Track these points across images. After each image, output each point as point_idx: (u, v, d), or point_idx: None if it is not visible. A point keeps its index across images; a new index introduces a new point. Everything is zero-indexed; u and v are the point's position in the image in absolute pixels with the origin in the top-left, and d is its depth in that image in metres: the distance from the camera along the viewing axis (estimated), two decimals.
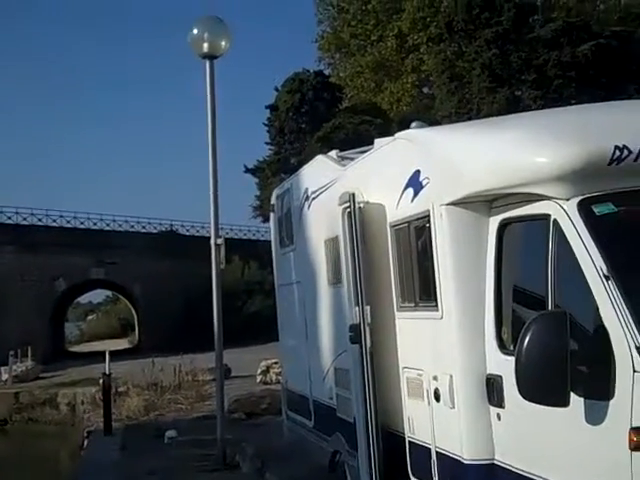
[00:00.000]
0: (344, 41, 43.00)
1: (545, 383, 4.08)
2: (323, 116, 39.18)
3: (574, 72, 30.04)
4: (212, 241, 11.73)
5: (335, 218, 7.41)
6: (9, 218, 41.20)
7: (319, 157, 9.14)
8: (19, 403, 27.11)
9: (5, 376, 29.97)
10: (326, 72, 44.47)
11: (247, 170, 44.36)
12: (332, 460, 8.09)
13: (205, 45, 11.75)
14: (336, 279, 7.83)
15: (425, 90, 41.36)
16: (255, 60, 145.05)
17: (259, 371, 20.74)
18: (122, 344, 47.23)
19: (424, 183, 5.91)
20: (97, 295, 78.53)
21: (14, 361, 30.54)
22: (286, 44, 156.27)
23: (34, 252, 38.33)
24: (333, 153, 8.83)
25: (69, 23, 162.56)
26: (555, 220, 4.64)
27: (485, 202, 5.38)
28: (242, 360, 22.38)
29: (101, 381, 17.59)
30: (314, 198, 8.78)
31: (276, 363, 20.10)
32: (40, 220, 42.35)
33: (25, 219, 41.83)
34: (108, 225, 44.77)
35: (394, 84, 41.35)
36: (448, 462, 5.47)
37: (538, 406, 4.24)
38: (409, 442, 6.24)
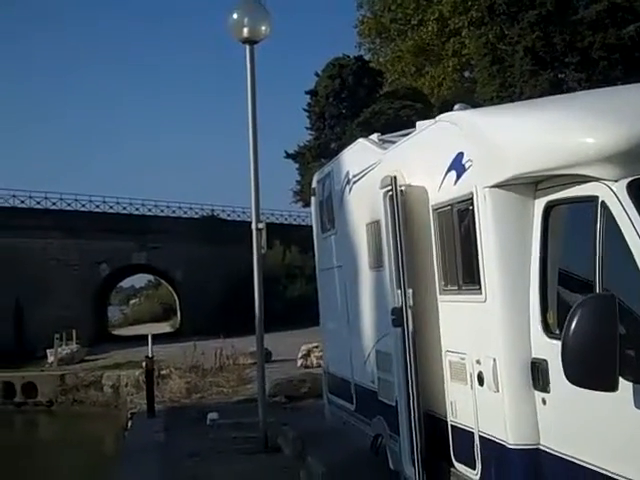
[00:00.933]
0: (384, 26, 42.67)
1: (593, 367, 4.00)
2: (363, 101, 39.04)
3: (619, 54, 29.45)
4: (253, 226, 11.76)
5: (376, 201, 7.38)
6: (54, 204, 41.82)
7: (360, 140, 9.08)
8: (65, 385, 27.63)
9: (51, 359, 30.54)
10: (366, 57, 44.24)
11: (288, 155, 44.43)
12: (374, 444, 8.08)
13: (245, 30, 11.74)
14: (378, 263, 7.80)
15: (466, 74, 40.93)
16: (295, 45, 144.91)
17: (300, 355, 20.83)
18: (164, 328, 47.73)
19: (467, 165, 5.83)
20: (139, 280, 79.53)
21: (59, 344, 31.07)
22: (326, 29, 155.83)
23: (78, 237, 38.90)
24: (374, 136, 8.77)
25: None
26: (603, 202, 4.54)
27: (530, 184, 5.29)
28: (283, 344, 22.48)
29: (144, 364, 17.80)
30: (355, 182, 8.74)
31: (317, 347, 20.18)
32: (84, 206, 42.96)
33: (69, 205, 42.44)
34: (150, 210, 45.23)
35: (435, 68, 41.00)
36: (492, 446, 5.42)
37: (585, 391, 4.16)
38: (452, 426, 6.20)
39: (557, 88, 27.92)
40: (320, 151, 41.74)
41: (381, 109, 36.79)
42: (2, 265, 35.56)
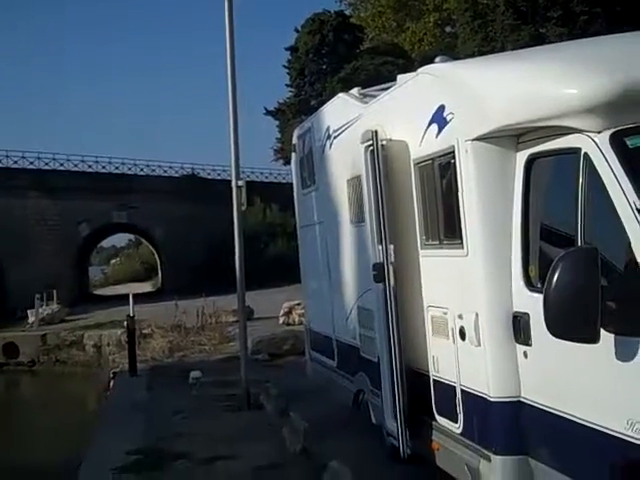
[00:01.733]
0: None
1: (575, 320, 3.99)
2: (344, 57, 38.71)
3: (600, 8, 29.28)
4: (233, 183, 11.63)
5: (357, 156, 7.32)
6: (31, 163, 41.32)
7: (340, 95, 8.98)
8: (46, 345, 27.53)
9: (32, 319, 30.40)
10: (347, 12, 43.77)
11: (267, 112, 44.12)
12: (356, 399, 8.12)
13: None
14: (359, 218, 7.75)
15: (448, 29, 40.64)
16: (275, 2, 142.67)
17: (282, 312, 20.85)
18: (145, 287, 47.62)
19: (449, 118, 5.76)
20: (120, 239, 79.25)
21: (40, 304, 30.91)
22: None
23: (57, 197, 38.52)
24: (355, 91, 8.66)
25: None
26: (586, 154, 4.49)
27: (512, 136, 5.24)
28: (264, 302, 22.46)
29: (125, 323, 17.74)
30: (336, 137, 8.65)
31: (299, 304, 20.19)
32: (62, 165, 42.44)
33: (47, 164, 41.92)
34: (130, 169, 44.74)
35: (416, 24, 40.68)
36: (474, 400, 5.44)
37: (566, 343, 4.16)
38: (434, 381, 6.21)
39: (539, 42, 27.65)
40: (300, 108, 41.42)
41: (362, 65, 36.53)
42: None
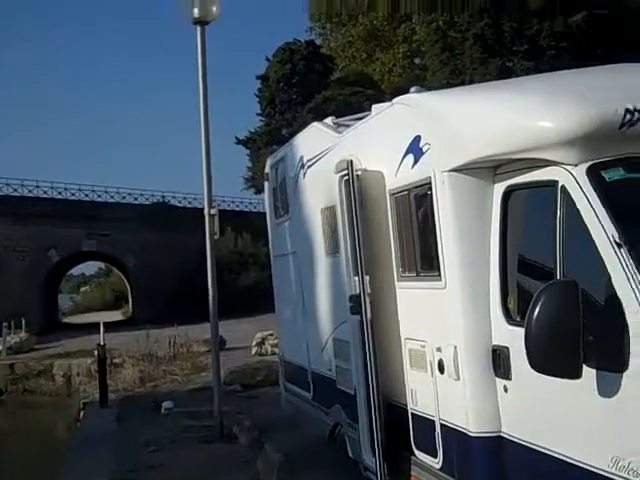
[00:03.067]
0: (335, 11, 42.49)
1: (557, 354, 3.95)
2: (314, 87, 38.92)
3: (567, 42, 29.70)
4: (205, 211, 11.56)
5: (332, 186, 7.26)
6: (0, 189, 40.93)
7: (314, 124, 8.93)
8: (14, 374, 27.07)
9: None
10: (317, 42, 44.07)
11: (239, 142, 44.15)
12: (332, 432, 8.01)
13: (195, 10, 11.48)
14: (334, 249, 7.70)
15: (417, 61, 41.01)
16: (245, 29, 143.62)
17: (254, 343, 20.72)
18: (116, 316, 47.18)
19: (425, 149, 5.74)
20: (90, 267, 78.70)
21: (8, 332, 30.45)
22: (277, 13, 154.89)
23: (25, 224, 38.09)
24: (329, 120, 8.62)
25: None
26: (563, 186, 4.48)
27: (489, 168, 5.22)
28: (237, 332, 22.32)
29: (96, 352, 17.50)
30: (310, 166, 8.60)
31: (271, 335, 20.07)
32: (31, 191, 42.11)
33: (16, 190, 41.56)
34: (100, 197, 44.55)
35: (385, 54, 41.04)
36: (453, 435, 5.37)
37: (547, 378, 4.12)
38: (412, 414, 6.13)
39: (506, 76, 28.06)
40: (271, 137, 41.52)
41: (332, 95, 36.74)
42: None
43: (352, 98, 35.06)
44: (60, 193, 43.09)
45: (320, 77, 40.36)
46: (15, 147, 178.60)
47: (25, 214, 38.31)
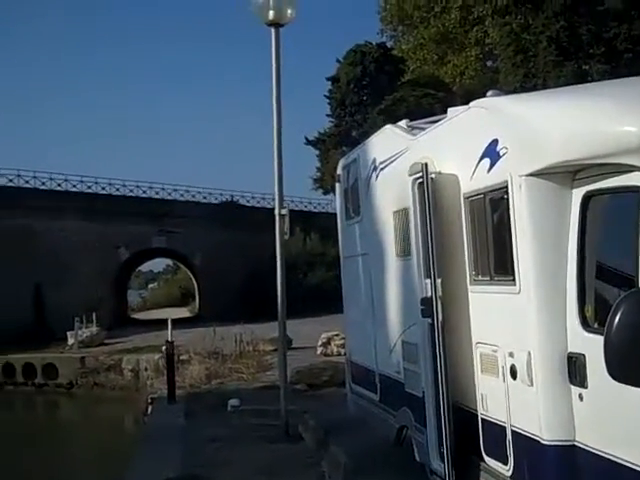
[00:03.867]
0: (407, 13, 42.35)
1: (637, 364, 3.86)
2: (385, 89, 38.83)
3: None
4: (276, 211, 11.64)
5: (405, 189, 7.26)
6: (74, 186, 41.93)
7: (388, 127, 8.92)
8: (85, 368, 27.79)
9: (71, 341, 30.70)
10: (388, 44, 43.99)
11: (308, 142, 44.33)
12: (399, 435, 7.98)
13: (271, 13, 11.58)
14: (405, 251, 7.68)
15: (489, 63, 40.58)
16: (318, 31, 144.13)
17: (320, 343, 20.74)
18: (183, 312, 47.84)
19: (502, 153, 5.68)
20: (158, 264, 79.90)
21: (79, 326, 31.19)
22: (349, 15, 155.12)
23: (97, 220, 38.96)
24: (403, 123, 8.61)
25: None
26: None
27: (568, 173, 5.14)
28: (302, 331, 22.40)
29: (164, 348, 17.79)
30: (382, 168, 8.60)
31: (337, 335, 20.10)
32: (103, 189, 43.05)
33: (89, 187, 42.53)
34: (170, 195, 45.26)
35: (457, 57, 40.69)
36: (525, 442, 5.29)
37: (626, 387, 4.03)
38: (482, 419, 6.07)
39: (581, 79, 27.60)
40: (340, 138, 41.62)
41: (402, 97, 36.58)
42: (22, 247, 35.69)
43: (423, 100, 34.89)
44: (132, 191, 43.94)
45: (391, 79, 40.26)
46: (88, 146, 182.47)
47: (97, 211, 39.19)
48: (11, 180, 39.51)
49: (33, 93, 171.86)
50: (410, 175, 7.01)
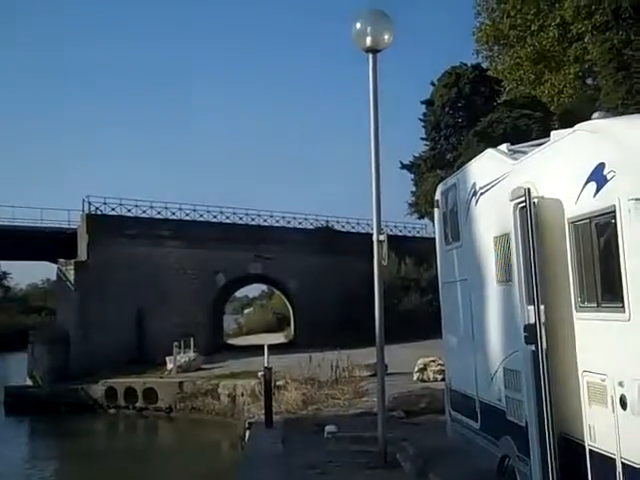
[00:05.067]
0: (503, 32, 41.83)
1: None
2: (480, 110, 38.47)
3: None
4: (374, 237, 11.60)
5: (506, 214, 7.17)
6: (173, 214, 42.92)
7: (489, 151, 8.84)
8: (183, 392, 28.27)
9: (170, 366, 31.29)
10: (484, 65, 43.57)
11: (403, 166, 44.19)
12: (501, 465, 7.81)
13: (368, 39, 11.63)
14: (506, 277, 7.56)
15: (589, 81, 39.63)
16: (411, 54, 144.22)
17: (416, 369, 20.54)
18: (278, 338, 48.12)
19: (609, 177, 5.56)
20: (253, 289, 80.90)
21: (178, 351, 31.79)
22: (443, 37, 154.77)
23: (196, 247, 39.75)
24: (504, 147, 8.52)
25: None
26: None
27: None
28: (398, 357, 22.20)
29: (259, 374, 17.92)
30: (482, 193, 8.52)
31: (433, 361, 19.89)
32: (201, 216, 43.88)
33: (188, 215, 43.44)
34: (265, 221, 45.83)
35: (555, 76, 39.88)
36: (637, 475, 5.11)
37: None
38: (590, 451, 5.89)
39: None
40: (435, 162, 41.38)
41: (499, 118, 36.11)
42: (125, 274, 36.73)
43: (520, 121, 34.37)
44: (228, 217, 44.73)
45: (486, 100, 39.88)
46: (183, 173, 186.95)
47: (196, 238, 40.02)
48: (114, 209, 40.79)
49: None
50: (512, 200, 6.93)
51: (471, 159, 9.74)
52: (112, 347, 34.39)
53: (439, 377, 18.39)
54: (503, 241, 7.60)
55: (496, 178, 7.97)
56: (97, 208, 40.00)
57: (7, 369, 47.48)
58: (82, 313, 36.14)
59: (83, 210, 39.44)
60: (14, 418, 30.95)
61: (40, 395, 32.07)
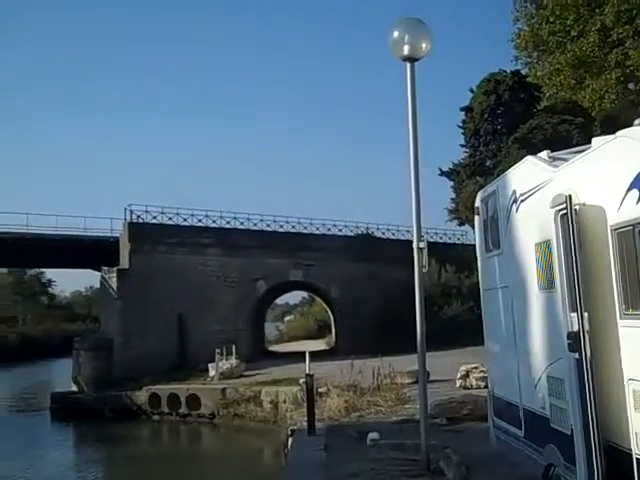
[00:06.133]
0: (542, 38, 41.57)
1: None
2: (520, 117, 38.25)
3: None
4: (415, 244, 11.62)
5: (547, 221, 7.18)
6: (214, 222, 43.24)
7: (529, 158, 8.84)
8: (225, 399, 28.43)
9: (212, 372, 31.50)
10: (523, 71, 43.31)
11: (442, 173, 44.06)
12: (546, 473, 7.78)
13: (406, 47, 11.65)
14: (548, 284, 7.55)
15: (631, 86, 39.17)
16: (449, 61, 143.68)
17: (458, 375, 20.45)
18: (319, 345, 48.17)
19: None
20: (293, 296, 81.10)
21: (220, 358, 32.00)
22: (481, 44, 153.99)
23: (236, 254, 40.02)
24: (544, 154, 8.51)
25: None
26: None
27: None
28: (439, 364, 22.06)
29: (301, 381, 17.97)
30: (523, 200, 8.52)
31: (476, 368, 19.78)
32: (242, 223, 44.17)
33: (228, 222, 43.74)
34: (305, 228, 46.00)
35: (596, 81, 39.49)
36: None
37: None
38: (637, 459, 5.86)
39: None
40: (475, 168, 41.19)
41: (539, 124, 35.88)
42: (167, 281, 37.11)
43: (560, 127, 34.13)
44: (269, 225, 44.96)
45: (526, 107, 39.62)
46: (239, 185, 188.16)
47: (236, 245, 40.29)
48: (155, 217, 41.24)
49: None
50: (553, 207, 6.93)
51: (511, 166, 9.74)
52: (154, 354, 34.77)
53: (482, 384, 18.29)
54: (544, 248, 7.60)
55: (537, 185, 7.97)
56: (139, 216, 40.50)
57: (53, 375, 48.31)
58: (125, 320, 36.60)
59: (125, 218, 40.01)
60: (60, 423, 31.51)
61: (85, 401, 32.60)
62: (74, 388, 35.23)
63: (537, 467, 8.08)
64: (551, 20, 39.67)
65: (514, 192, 8.82)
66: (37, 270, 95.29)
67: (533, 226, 8.06)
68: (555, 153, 8.52)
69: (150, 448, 26.72)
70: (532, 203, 8.16)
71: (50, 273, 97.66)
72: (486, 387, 11.68)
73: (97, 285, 44.04)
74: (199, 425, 28.60)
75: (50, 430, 30.52)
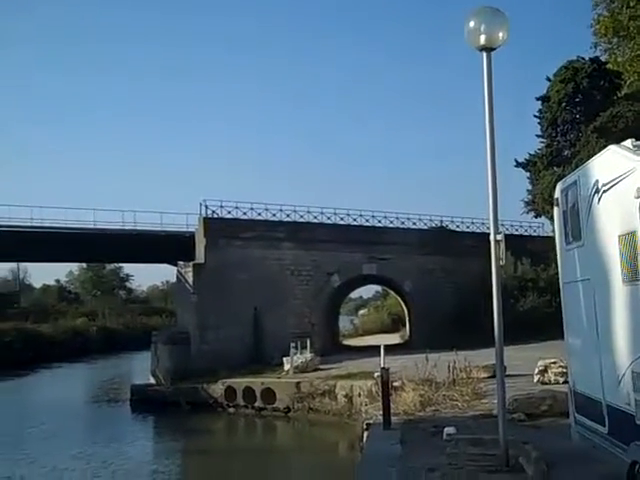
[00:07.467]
0: (622, 24, 40.51)
1: None
2: (599, 105, 37.41)
3: None
4: (492, 237, 11.44)
5: (632, 212, 6.97)
6: (287, 216, 43.47)
7: (611, 147, 8.58)
8: (300, 392, 28.59)
9: (287, 366, 31.74)
10: (602, 58, 42.29)
11: (518, 164, 43.38)
12: (631, 471, 7.56)
13: (482, 37, 11.46)
14: (634, 277, 7.32)
15: None
16: (524, 48, 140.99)
17: (536, 370, 20.07)
18: (393, 339, 48.02)
19: None
20: (367, 290, 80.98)
21: (294, 352, 32.19)
22: (558, 32, 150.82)
23: (310, 248, 40.20)
24: (628, 142, 8.24)
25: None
26: None
27: None
28: (516, 358, 21.77)
29: (375, 374, 17.91)
30: (605, 191, 8.28)
31: (554, 363, 19.39)
32: (315, 217, 44.25)
33: (302, 217, 43.90)
34: (380, 222, 45.76)
35: None
36: None
37: None
38: None
39: None
40: (552, 159, 40.44)
41: (619, 112, 35.01)
42: (242, 275, 37.50)
43: None
44: (342, 219, 44.92)
45: (606, 94, 38.69)
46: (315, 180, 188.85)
47: (310, 239, 40.45)
48: (229, 212, 41.65)
49: None
50: (637, 197, 6.72)
51: (591, 156, 9.49)
52: (230, 347, 35.24)
53: (561, 379, 17.94)
54: (629, 239, 7.37)
55: (620, 175, 7.73)
56: (213, 212, 40.96)
57: (133, 368, 49.43)
58: (201, 314, 37.16)
59: (200, 213, 40.52)
60: (139, 415, 32.26)
61: (163, 393, 33.26)
62: (152, 381, 35.97)
63: (621, 465, 7.86)
64: (631, 5, 38.64)
65: (596, 182, 8.58)
66: (115, 265, 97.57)
67: (616, 217, 7.83)
68: None
69: (227, 441, 27.11)
70: (615, 193, 7.92)
71: (127, 268, 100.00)
72: (565, 382, 11.44)
73: (173, 279, 44.74)
74: (274, 419, 28.84)
75: (131, 421, 31.35)
